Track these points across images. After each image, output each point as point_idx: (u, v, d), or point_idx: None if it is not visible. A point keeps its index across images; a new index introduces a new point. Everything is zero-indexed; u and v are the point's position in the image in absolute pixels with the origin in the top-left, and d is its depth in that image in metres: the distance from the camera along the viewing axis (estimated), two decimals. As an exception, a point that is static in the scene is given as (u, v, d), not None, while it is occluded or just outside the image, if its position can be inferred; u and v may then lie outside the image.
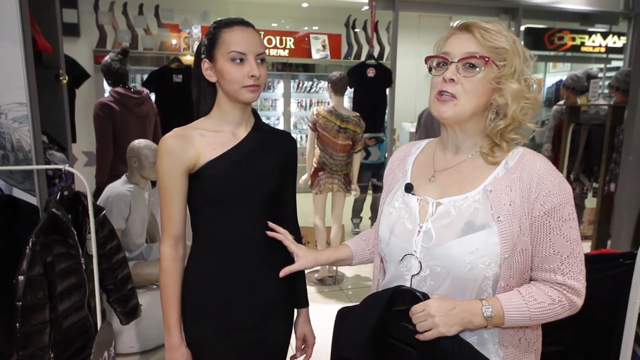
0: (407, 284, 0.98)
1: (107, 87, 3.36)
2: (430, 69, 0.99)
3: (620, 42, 5.83)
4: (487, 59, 0.91)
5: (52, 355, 1.54)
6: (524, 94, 0.94)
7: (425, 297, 0.92)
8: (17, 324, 1.41)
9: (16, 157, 1.71)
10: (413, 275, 0.98)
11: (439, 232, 0.94)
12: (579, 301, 0.93)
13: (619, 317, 1.21)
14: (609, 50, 5.94)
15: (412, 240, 0.97)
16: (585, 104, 3.72)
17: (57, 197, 1.62)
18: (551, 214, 0.91)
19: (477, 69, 0.92)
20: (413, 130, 5.43)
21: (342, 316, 1.08)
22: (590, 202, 3.84)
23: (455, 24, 0.99)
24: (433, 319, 0.88)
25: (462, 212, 0.94)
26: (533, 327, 0.99)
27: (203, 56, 1.19)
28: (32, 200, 1.74)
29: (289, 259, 1.32)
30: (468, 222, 0.92)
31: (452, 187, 0.98)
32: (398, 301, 0.96)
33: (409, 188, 1.04)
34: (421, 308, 0.90)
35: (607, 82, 3.99)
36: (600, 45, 5.89)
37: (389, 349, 0.98)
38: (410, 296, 0.94)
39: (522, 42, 0.98)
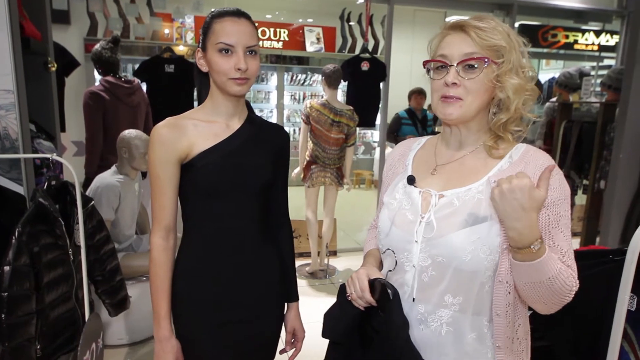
0: (408, 275, 0.98)
1: (97, 76, 3.31)
2: (428, 71, 0.99)
3: (613, 40, 5.87)
4: (486, 60, 0.91)
5: (38, 347, 1.52)
6: (524, 87, 0.94)
7: (395, 294, 0.93)
8: (3, 315, 1.39)
9: (3, 145, 1.68)
10: (389, 271, 0.99)
11: (441, 223, 0.94)
12: (573, 293, 0.91)
13: (607, 313, 1.22)
14: (602, 48, 5.99)
15: (414, 230, 0.97)
16: (577, 101, 3.75)
17: (45, 187, 1.59)
18: (550, 207, 0.91)
19: (477, 69, 0.92)
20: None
21: (343, 290, 1.08)
22: (580, 199, 3.88)
23: (447, 24, 0.98)
24: (507, 184, 0.82)
25: (465, 203, 0.93)
26: (524, 323, 0.99)
27: (198, 45, 1.17)
28: (19, 189, 1.71)
29: (280, 252, 1.32)
30: (471, 213, 0.92)
31: (455, 180, 0.98)
32: (374, 292, 0.97)
33: (411, 180, 1.03)
34: (514, 176, 0.83)
35: (599, 80, 4.02)
36: (593, 43, 5.93)
37: (368, 335, 1.00)
38: (381, 289, 0.95)
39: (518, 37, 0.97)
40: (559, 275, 0.86)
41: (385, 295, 0.94)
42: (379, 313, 0.96)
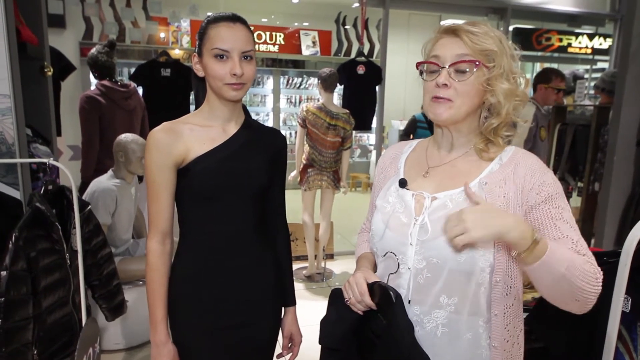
0: (404, 278, 0.98)
1: (93, 80, 3.31)
2: (421, 73, 1.01)
3: (606, 43, 5.91)
4: (477, 63, 0.93)
5: (35, 352, 1.52)
6: (514, 92, 0.96)
7: (397, 297, 0.93)
8: (0, 320, 1.39)
9: (-1, 150, 1.67)
10: (391, 274, 0.99)
11: (435, 225, 0.95)
12: (599, 281, 0.86)
13: (602, 314, 1.23)
14: (595, 51, 6.02)
15: (408, 233, 0.98)
16: (571, 104, 3.78)
17: (41, 191, 1.59)
18: (549, 201, 0.92)
19: (468, 72, 0.94)
20: (402, 128, 5.44)
21: (336, 295, 1.07)
22: (575, 201, 3.90)
23: (441, 29, 1.00)
24: (464, 224, 0.81)
25: (458, 205, 0.94)
26: (520, 325, 0.99)
27: (195, 50, 1.18)
28: (16, 194, 1.71)
29: (277, 256, 1.32)
30: None
31: (448, 182, 0.99)
32: (373, 296, 0.97)
33: (403, 183, 1.04)
34: (456, 213, 0.83)
35: (592, 83, 4.05)
36: (586, 47, 5.97)
37: (366, 339, 1.00)
38: (382, 292, 0.95)
39: (510, 42, 0.99)
40: (573, 262, 0.83)
41: (385, 298, 0.94)
42: (378, 317, 0.96)
